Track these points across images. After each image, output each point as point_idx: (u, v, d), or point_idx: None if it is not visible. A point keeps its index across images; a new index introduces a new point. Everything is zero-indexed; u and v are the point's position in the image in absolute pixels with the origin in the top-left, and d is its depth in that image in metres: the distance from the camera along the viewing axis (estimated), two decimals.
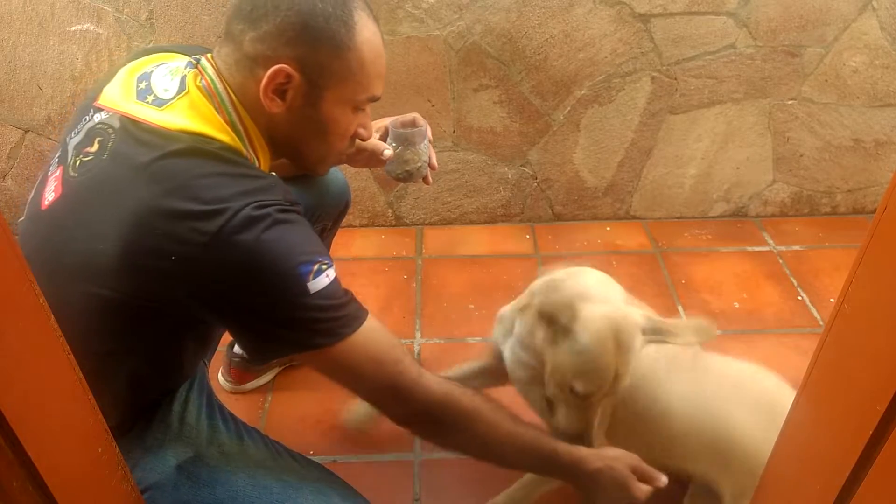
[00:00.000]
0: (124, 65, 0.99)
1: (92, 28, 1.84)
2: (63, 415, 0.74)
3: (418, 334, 1.82)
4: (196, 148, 0.87)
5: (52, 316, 0.72)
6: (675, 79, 1.99)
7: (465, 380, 1.41)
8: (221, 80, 0.93)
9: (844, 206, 2.29)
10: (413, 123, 1.27)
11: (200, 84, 0.92)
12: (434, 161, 1.29)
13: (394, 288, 1.98)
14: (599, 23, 1.88)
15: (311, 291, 0.85)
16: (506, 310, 1.30)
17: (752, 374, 1.27)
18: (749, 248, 2.15)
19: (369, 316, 0.94)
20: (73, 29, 1.84)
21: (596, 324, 1.06)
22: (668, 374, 1.24)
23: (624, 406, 1.20)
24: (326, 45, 0.90)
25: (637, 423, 1.23)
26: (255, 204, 0.84)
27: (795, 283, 2.00)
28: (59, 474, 0.68)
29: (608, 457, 1.05)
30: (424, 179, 1.29)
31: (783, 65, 1.98)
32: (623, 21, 1.88)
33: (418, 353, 1.75)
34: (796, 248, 2.15)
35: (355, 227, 2.22)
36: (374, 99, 1.00)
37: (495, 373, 1.38)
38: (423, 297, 1.94)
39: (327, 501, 0.99)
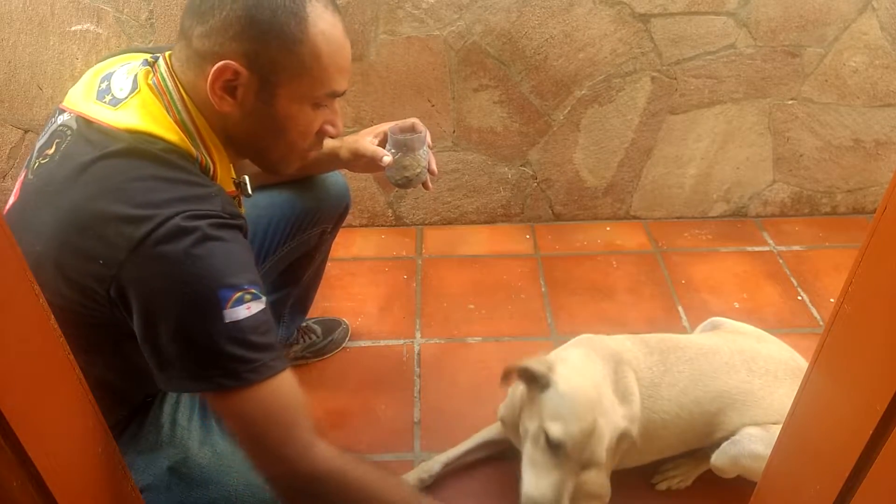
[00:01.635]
0: (95, 65, 0.98)
1: (92, 28, 1.84)
2: (63, 415, 0.74)
3: (418, 334, 1.82)
4: (136, 148, 0.84)
5: (52, 316, 0.72)
6: (675, 79, 1.99)
7: (474, 451, 1.47)
8: (173, 78, 0.90)
9: (844, 206, 2.29)
10: (412, 129, 1.26)
11: (151, 82, 0.89)
12: (434, 166, 1.28)
13: (394, 288, 1.98)
14: (599, 23, 1.88)
15: (226, 320, 0.80)
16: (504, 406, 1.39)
17: (732, 340, 1.42)
18: (749, 248, 2.15)
19: (284, 371, 0.87)
20: (73, 29, 1.84)
21: (573, 376, 1.16)
22: (663, 376, 1.30)
23: (647, 423, 1.27)
24: (275, 39, 0.86)
25: (665, 430, 1.30)
26: (187, 214, 0.80)
27: (795, 283, 2.00)
28: (59, 474, 0.68)
29: None
30: (424, 185, 1.28)
31: (783, 65, 1.98)
32: (623, 21, 1.88)
33: (418, 353, 1.75)
34: (796, 248, 2.15)
35: (355, 227, 2.22)
36: (335, 94, 0.95)
37: (503, 443, 1.46)
38: (423, 297, 1.94)
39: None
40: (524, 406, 1.21)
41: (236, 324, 0.81)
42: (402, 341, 1.79)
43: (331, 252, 1.59)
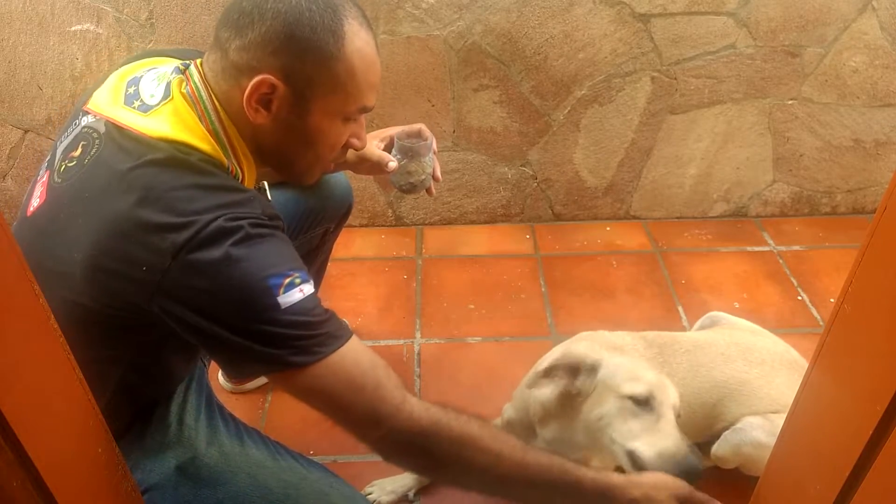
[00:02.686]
0: (118, 68, 0.98)
1: (92, 28, 1.84)
2: (63, 415, 0.74)
3: (418, 334, 1.82)
4: (175, 157, 0.85)
5: (52, 316, 0.72)
6: (675, 79, 1.99)
7: None
8: (206, 88, 0.91)
9: (844, 206, 2.29)
10: (419, 134, 1.26)
11: (185, 91, 0.90)
12: (438, 173, 1.28)
13: (394, 288, 1.98)
14: (599, 23, 1.88)
15: (283, 306, 0.82)
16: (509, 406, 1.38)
17: (728, 333, 1.45)
18: (749, 248, 2.15)
19: (352, 337, 0.89)
20: (73, 29, 1.84)
21: (608, 352, 1.16)
22: (661, 367, 1.30)
23: None
24: (313, 56, 0.87)
25: None
26: (228, 216, 0.82)
27: (795, 283, 2.00)
28: (59, 474, 0.68)
29: (646, 484, 0.93)
30: (428, 191, 1.29)
31: (783, 65, 1.98)
32: (623, 21, 1.88)
33: (418, 353, 1.75)
34: (796, 248, 2.15)
35: (355, 227, 2.22)
36: (365, 110, 0.97)
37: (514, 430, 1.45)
38: (423, 297, 1.94)
39: (327, 501, 0.99)
40: (579, 405, 1.14)
41: (293, 307, 0.83)
42: (402, 341, 1.79)
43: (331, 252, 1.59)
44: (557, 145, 2.10)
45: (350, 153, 1.27)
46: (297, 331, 0.83)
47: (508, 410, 1.37)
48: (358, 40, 0.90)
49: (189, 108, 0.89)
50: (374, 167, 1.25)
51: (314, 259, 1.50)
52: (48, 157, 0.97)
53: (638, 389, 1.07)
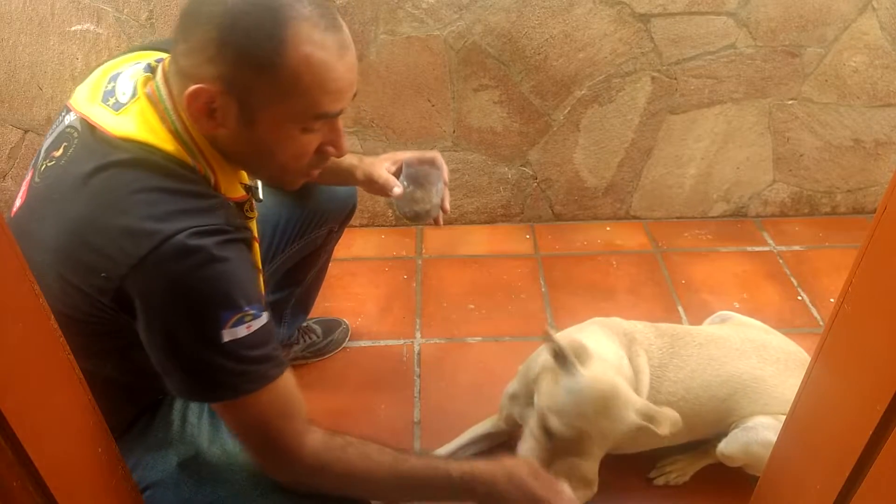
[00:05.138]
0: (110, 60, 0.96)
1: (92, 28, 1.84)
2: (63, 415, 0.74)
3: (418, 334, 1.82)
4: (138, 158, 0.82)
5: (52, 316, 0.72)
6: (675, 79, 1.99)
7: (470, 445, 1.48)
8: (168, 88, 0.87)
9: (844, 206, 2.29)
10: (432, 162, 1.22)
11: (147, 91, 0.87)
12: (447, 204, 1.24)
13: (394, 288, 1.98)
14: (599, 23, 1.88)
15: (225, 339, 0.81)
16: (512, 385, 1.40)
17: (742, 330, 1.43)
18: (749, 248, 2.15)
19: (282, 376, 0.88)
20: (73, 29, 1.84)
21: (599, 378, 1.14)
22: (671, 358, 1.31)
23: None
24: (248, 63, 0.80)
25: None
26: (191, 231, 0.79)
27: (795, 283, 2.00)
28: (59, 474, 0.68)
29: (505, 465, 1.00)
30: (435, 221, 1.24)
31: (783, 65, 1.98)
32: (623, 21, 1.88)
33: (418, 353, 1.75)
34: (796, 248, 2.15)
35: (355, 227, 2.22)
36: (325, 116, 0.88)
37: (500, 436, 1.48)
38: (423, 297, 1.94)
39: (326, 500, 0.99)
40: (543, 374, 1.20)
41: (235, 342, 0.82)
42: (402, 341, 1.79)
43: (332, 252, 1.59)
44: (557, 145, 2.10)
45: (359, 172, 1.26)
46: (231, 365, 0.83)
47: (512, 386, 1.39)
48: (305, 45, 0.81)
49: (151, 108, 0.86)
50: (381, 189, 1.23)
51: (317, 259, 1.50)
52: (35, 157, 0.95)
53: (550, 423, 1.13)
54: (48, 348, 0.72)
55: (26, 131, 2.01)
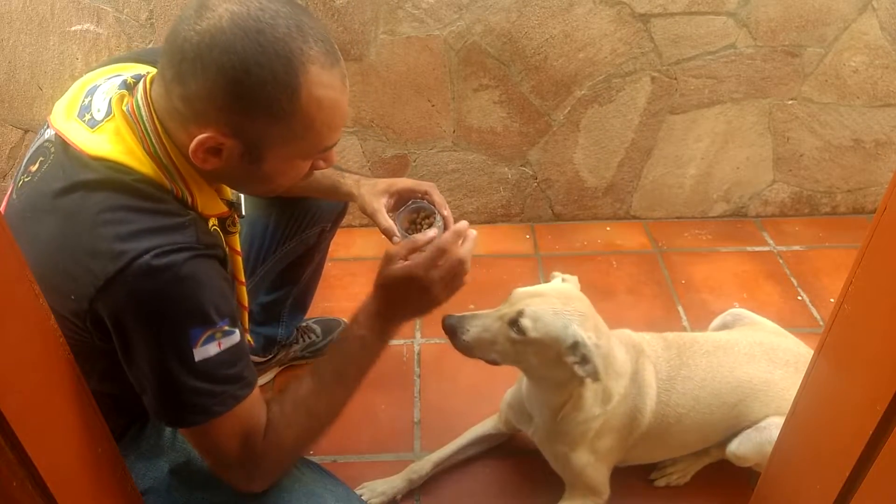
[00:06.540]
0: (89, 72, 0.94)
1: (92, 28, 1.84)
2: (63, 415, 0.74)
3: (418, 334, 1.81)
4: (108, 179, 0.81)
5: (52, 316, 0.72)
6: (675, 79, 1.99)
7: (470, 446, 1.48)
8: (150, 111, 0.84)
9: (844, 206, 2.29)
10: (426, 193, 1.21)
11: (125, 109, 0.84)
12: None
13: None
14: (599, 23, 1.88)
15: (196, 358, 0.80)
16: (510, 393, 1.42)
17: (750, 333, 1.44)
18: (749, 248, 2.15)
19: (250, 395, 0.88)
20: (73, 29, 1.84)
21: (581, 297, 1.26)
22: (679, 369, 1.30)
23: (661, 417, 1.27)
24: (263, 113, 0.79)
25: (679, 425, 1.29)
26: (157, 251, 0.77)
27: (795, 283, 2.00)
28: (59, 474, 0.68)
29: (377, 280, 1.03)
30: None
31: (783, 65, 1.98)
32: (623, 21, 1.88)
33: (418, 353, 1.75)
34: (796, 248, 2.15)
35: (355, 227, 2.21)
36: (327, 149, 0.90)
37: (499, 437, 1.49)
38: None
39: (312, 496, 0.99)
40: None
41: (205, 361, 0.82)
42: (402, 341, 1.79)
43: (331, 252, 1.59)
44: (557, 145, 2.10)
45: (359, 201, 1.26)
46: (200, 384, 0.82)
47: (510, 394, 1.41)
48: (317, 88, 0.80)
49: (129, 128, 0.83)
50: (381, 231, 1.22)
51: (311, 258, 1.50)
52: (17, 170, 0.94)
53: (524, 323, 1.16)
54: (48, 348, 0.72)
55: (26, 131, 2.01)
